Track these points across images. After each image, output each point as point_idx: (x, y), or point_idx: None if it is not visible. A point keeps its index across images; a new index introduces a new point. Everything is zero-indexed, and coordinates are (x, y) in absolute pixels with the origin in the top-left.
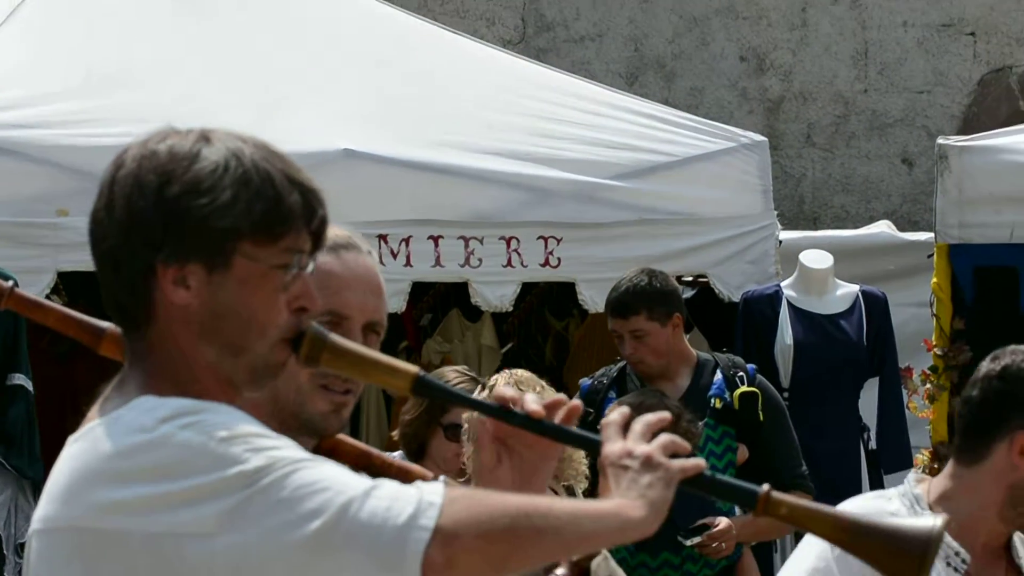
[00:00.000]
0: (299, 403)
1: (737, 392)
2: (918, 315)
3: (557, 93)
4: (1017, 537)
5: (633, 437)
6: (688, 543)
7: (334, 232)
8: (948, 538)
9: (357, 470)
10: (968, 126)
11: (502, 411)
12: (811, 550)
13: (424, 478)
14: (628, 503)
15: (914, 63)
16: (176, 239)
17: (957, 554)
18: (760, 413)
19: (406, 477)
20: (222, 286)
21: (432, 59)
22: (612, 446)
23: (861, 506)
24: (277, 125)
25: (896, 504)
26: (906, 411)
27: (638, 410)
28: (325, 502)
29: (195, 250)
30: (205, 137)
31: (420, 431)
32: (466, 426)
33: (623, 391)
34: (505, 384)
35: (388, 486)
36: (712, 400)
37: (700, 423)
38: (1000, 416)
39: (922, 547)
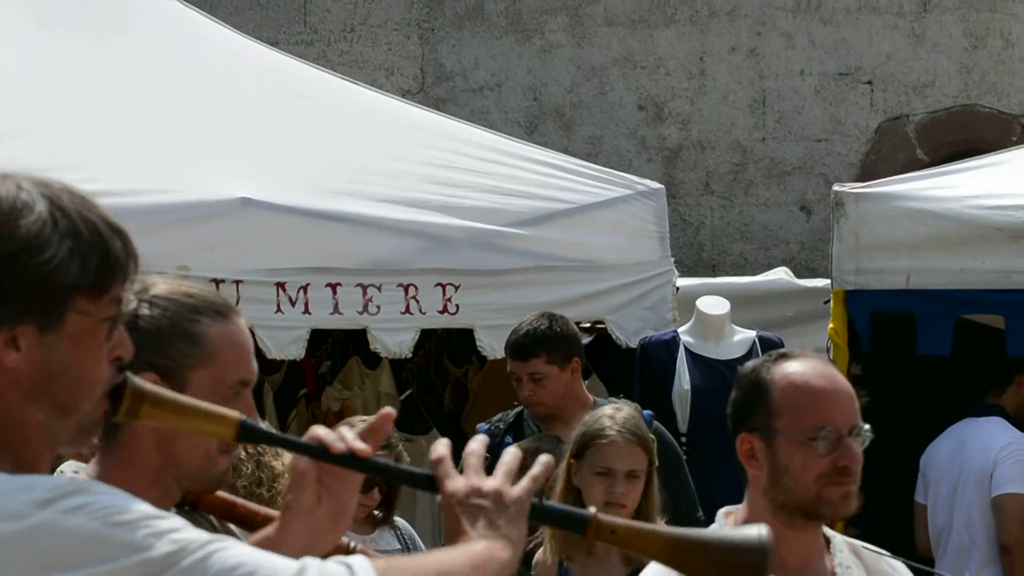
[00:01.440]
0: (204, 466)
1: None
2: None
3: (455, 141)
4: (845, 549)
5: (472, 471)
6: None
7: (210, 293)
8: None
9: (222, 520)
10: (866, 174)
11: (324, 451)
12: (655, 567)
13: None
14: (495, 546)
15: (812, 111)
16: (11, 299)
17: None
18: (656, 458)
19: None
20: (54, 345)
21: (330, 109)
22: (455, 483)
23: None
24: (174, 174)
25: None
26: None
27: (534, 454)
28: None
29: (29, 310)
30: (18, 185)
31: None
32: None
33: (519, 436)
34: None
35: (315, 566)
36: None
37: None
38: (732, 431)
39: (758, 558)
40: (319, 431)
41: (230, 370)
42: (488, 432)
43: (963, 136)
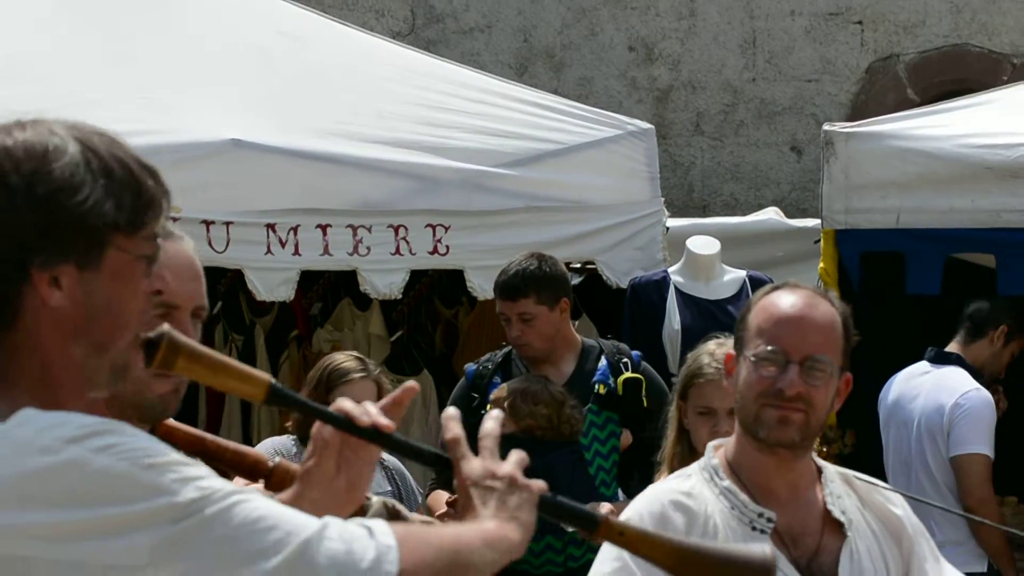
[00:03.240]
0: (138, 391)
1: (621, 378)
2: None
3: (445, 83)
4: (836, 480)
5: (488, 455)
6: (571, 528)
7: None
8: (749, 502)
9: (191, 455)
10: (856, 114)
11: (350, 423)
12: (608, 551)
13: (260, 461)
14: (507, 526)
15: (802, 52)
16: (52, 240)
17: (761, 515)
18: (644, 399)
19: (242, 460)
20: (94, 283)
21: (320, 50)
22: (471, 465)
23: (660, 489)
24: (164, 116)
25: (695, 479)
26: None
27: (522, 395)
28: (278, 541)
29: (69, 250)
30: (50, 130)
31: (309, 419)
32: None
33: (508, 376)
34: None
35: (336, 525)
36: (596, 386)
37: (584, 409)
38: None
39: (761, 574)
40: (345, 404)
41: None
42: (476, 372)
43: (954, 76)
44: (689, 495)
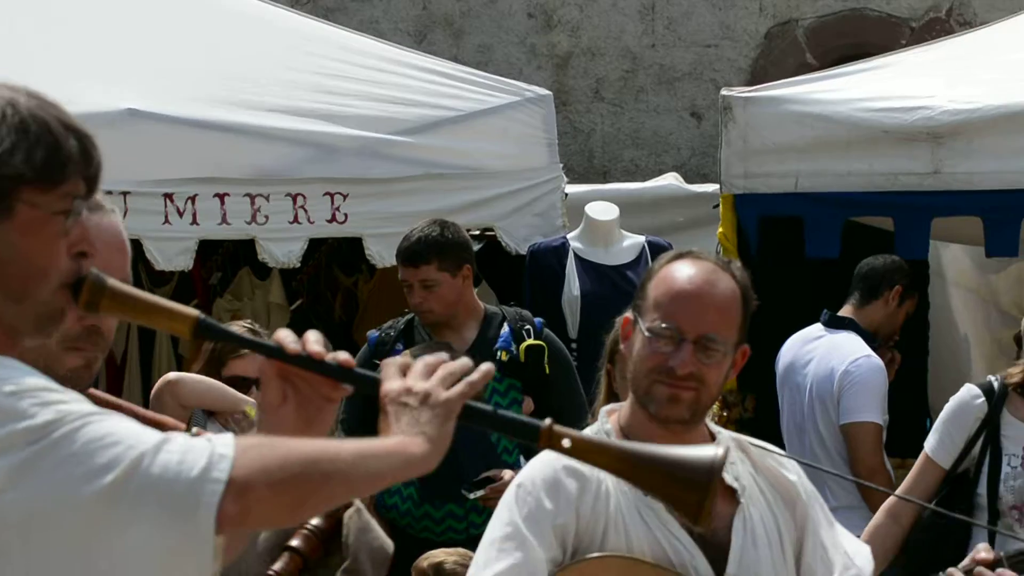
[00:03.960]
0: (48, 366)
1: (524, 345)
2: None
3: (343, 50)
4: (731, 446)
5: (413, 375)
6: (472, 496)
7: None
8: None
9: None
10: (755, 79)
11: (280, 351)
12: (499, 516)
13: (177, 430)
14: (409, 440)
15: (701, 17)
16: None
17: None
18: (546, 366)
19: (160, 428)
20: (4, 234)
21: (217, 18)
22: (392, 384)
23: (553, 455)
24: (60, 86)
25: None
26: None
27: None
28: (116, 456)
29: None
30: None
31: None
32: None
33: (411, 343)
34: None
35: (179, 439)
36: (498, 353)
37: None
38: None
39: (705, 476)
40: (281, 333)
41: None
42: (379, 340)
43: (852, 40)
44: None
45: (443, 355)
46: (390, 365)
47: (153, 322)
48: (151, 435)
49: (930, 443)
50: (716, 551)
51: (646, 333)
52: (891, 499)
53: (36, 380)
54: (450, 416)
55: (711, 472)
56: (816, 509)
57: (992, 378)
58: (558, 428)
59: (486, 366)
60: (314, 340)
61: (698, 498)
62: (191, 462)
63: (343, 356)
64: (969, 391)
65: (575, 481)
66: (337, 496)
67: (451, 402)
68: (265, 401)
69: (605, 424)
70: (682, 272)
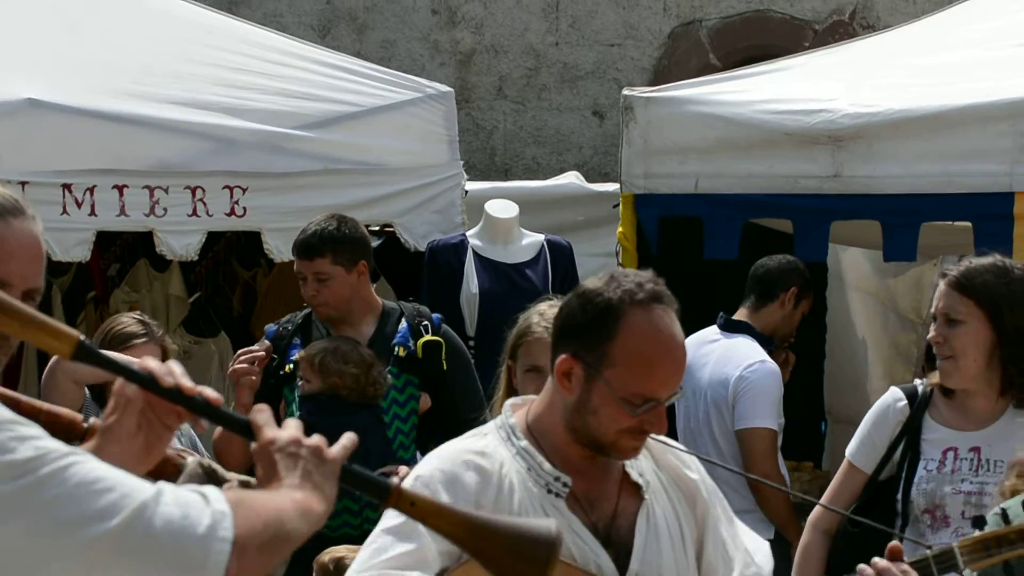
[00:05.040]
0: None
1: (421, 341)
2: (606, 265)
3: (245, 44)
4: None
5: (293, 427)
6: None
7: (2, 194)
8: (545, 464)
9: None
10: (658, 79)
11: (155, 382)
12: None
13: (75, 422)
14: (312, 497)
15: (605, 16)
16: None
17: (557, 479)
18: (444, 362)
19: (57, 421)
20: None
21: (119, 9)
22: (275, 432)
23: (454, 447)
24: None
25: (491, 438)
26: None
27: (334, 353)
28: (114, 503)
29: None
30: None
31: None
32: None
33: (308, 337)
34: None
35: (171, 490)
36: (396, 348)
37: (385, 371)
38: (558, 341)
39: (547, 550)
40: (151, 363)
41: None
42: (276, 333)
43: (756, 41)
44: (483, 454)
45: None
46: (262, 411)
47: (36, 339)
48: (143, 483)
49: (851, 448)
50: (619, 548)
51: (625, 404)
52: (814, 512)
53: (7, 412)
54: (336, 475)
55: (550, 548)
56: (717, 506)
57: (918, 381)
58: (406, 490)
59: (351, 436)
60: (181, 373)
61: (537, 573)
62: (195, 518)
63: (210, 393)
64: (892, 394)
65: (476, 475)
66: (285, 553)
67: (336, 462)
68: (120, 428)
69: (509, 418)
70: (654, 334)
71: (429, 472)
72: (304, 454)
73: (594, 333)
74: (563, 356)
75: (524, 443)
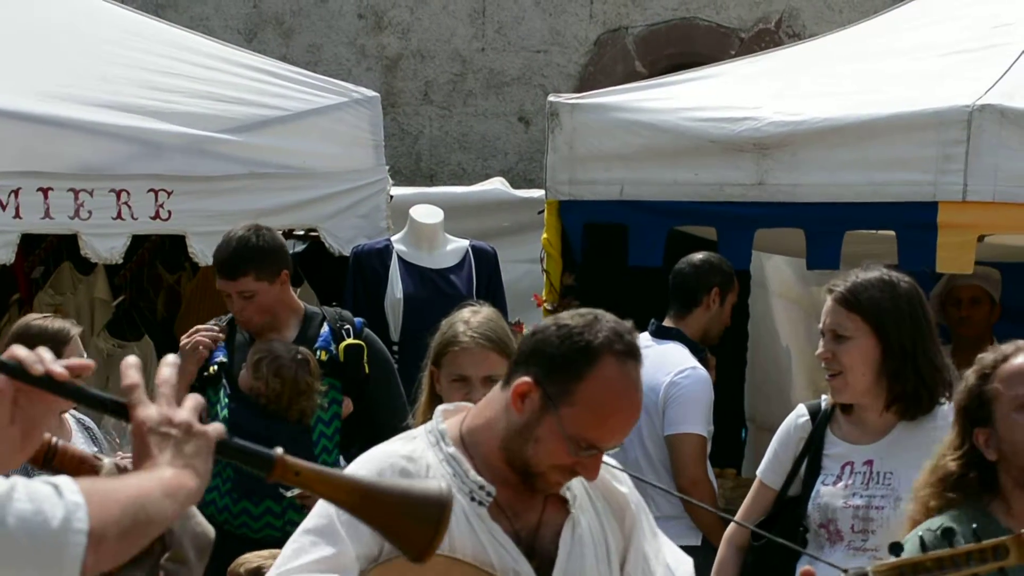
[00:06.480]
0: None
1: (343, 344)
2: (531, 271)
3: (171, 47)
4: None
5: (165, 401)
6: (289, 494)
7: None
8: (471, 471)
9: None
10: (584, 85)
11: (23, 371)
12: (318, 507)
13: None
14: (183, 474)
15: (531, 22)
16: None
17: (481, 488)
18: (366, 366)
19: None
20: None
21: (43, 11)
22: (147, 411)
23: (381, 450)
24: None
25: (420, 442)
26: None
27: (271, 359)
28: None
29: None
30: None
31: None
32: None
33: (231, 339)
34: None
35: (23, 484)
36: (318, 352)
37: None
38: (522, 360)
39: (437, 510)
40: (19, 351)
41: None
42: None
43: (682, 49)
44: (410, 458)
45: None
46: (136, 388)
47: None
48: None
49: (761, 466)
50: (542, 559)
51: (568, 444)
52: (730, 528)
53: None
54: (210, 450)
55: (441, 508)
56: (643, 520)
57: (824, 397)
58: (290, 460)
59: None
60: (51, 359)
61: (428, 533)
62: (48, 512)
63: (80, 363)
64: (796, 411)
65: (400, 478)
66: (148, 538)
67: (209, 436)
68: None
69: (440, 424)
70: (623, 392)
71: (356, 472)
72: (175, 432)
73: (564, 368)
74: (525, 379)
75: (452, 449)
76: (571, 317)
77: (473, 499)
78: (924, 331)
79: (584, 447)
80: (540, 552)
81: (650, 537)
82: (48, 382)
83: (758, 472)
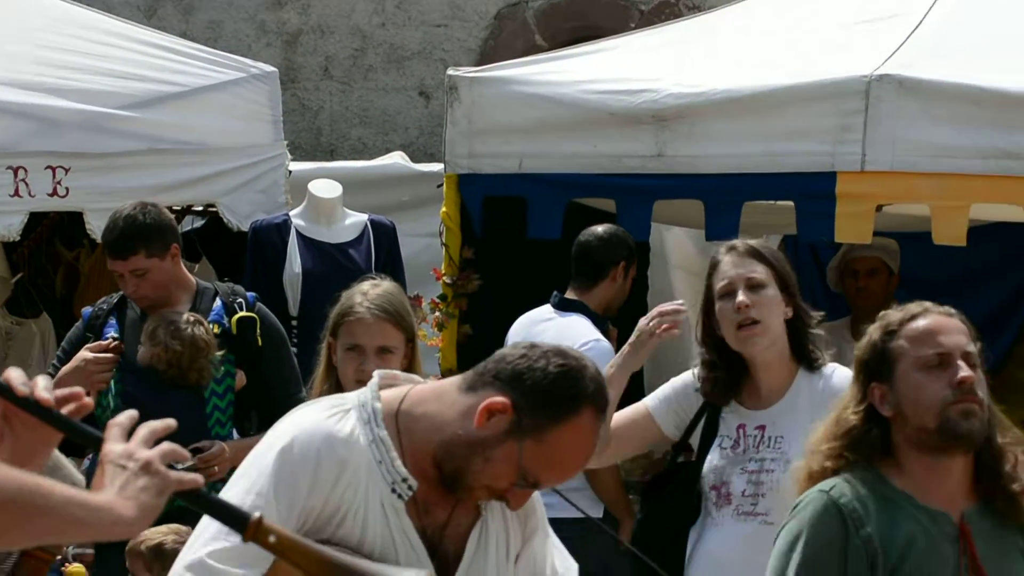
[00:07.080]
0: None
1: (235, 317)
2: (431, 245)
3: (68, 24)
4: None
5: (137, 441)
6: (180, 468)
7: None
8: (398, 461)
9: None
10: (484, 59)
11: (9, 390)
12: (250, 478)
13: None
14: (120, 501)
15: None
16: None
17: (404, 480)
18: (259, 338)
19: None
20: None
21: None
22: (115, 445)
23: (320, 427)
24: None
25: (353, 419)
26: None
27: (168, 324)
28: None
29: None
30: None
31: None
32: None
33: (123, 317)
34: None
35: None
36: (212, 326)
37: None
38: (508, 379)
39: None
40: (12, 373)
41: None
42: (92, 314)
43: (582, 22)
44: (347, 443)
45: (170, 422)
46: (115, 426)
47: None
48: None
49: (652, 400)
50: (443, 558)
51: (517, 474)
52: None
53: None
54: (166, 490)
55: None
56: (542, 519)
57: None
58: (266, 523)
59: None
60: (43, 387)
61: None
62: None
63: (44, 395)
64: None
65: (336, 467)
66: (40, 530)
67: (168, 479)
68: None
69: (375, 402)
70: (584, 446)
71: (291, 449)
72: (131, 466)
73: (547, 406)
74: (503, 399)
75: (383, 433)
76: (574, 359)
77: (394, 491)
78: (800, 292)
79: (528, 482)
80: (442, 551)
81: (542, 537)
82: (31, 405)
83: (650, 407)
